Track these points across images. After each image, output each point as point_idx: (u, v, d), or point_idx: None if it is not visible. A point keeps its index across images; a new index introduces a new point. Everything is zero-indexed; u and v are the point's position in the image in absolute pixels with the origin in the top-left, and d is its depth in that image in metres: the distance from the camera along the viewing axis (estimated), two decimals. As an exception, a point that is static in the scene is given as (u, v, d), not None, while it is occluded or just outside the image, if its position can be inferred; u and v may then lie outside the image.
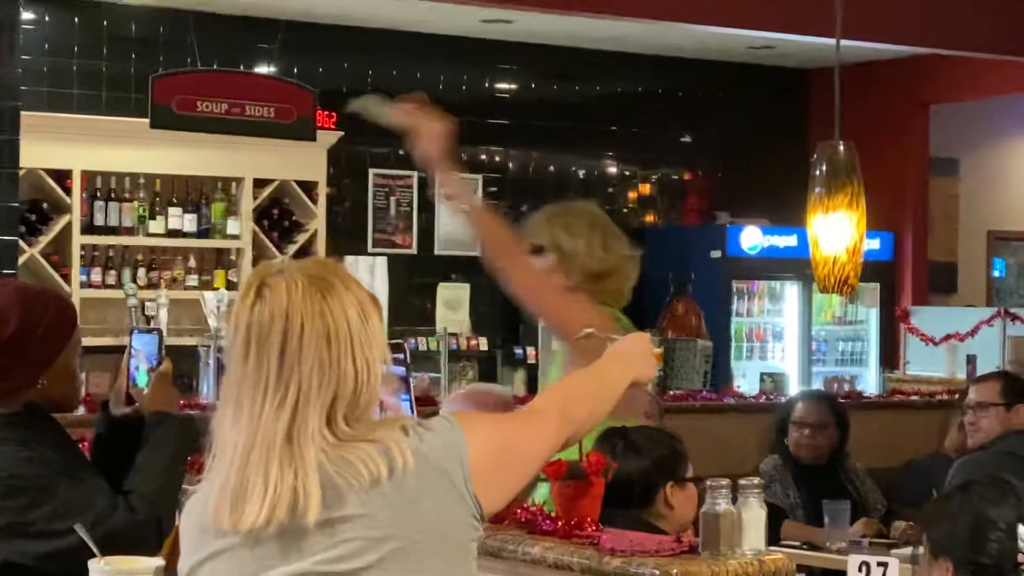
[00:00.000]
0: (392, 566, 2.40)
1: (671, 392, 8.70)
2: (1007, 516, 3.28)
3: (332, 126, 10.64)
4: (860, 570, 4.39)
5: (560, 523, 3.26)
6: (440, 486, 2.45)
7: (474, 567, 2.50)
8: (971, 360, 10.35)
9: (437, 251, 11.80)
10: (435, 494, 2.44)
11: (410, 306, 11.45)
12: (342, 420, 2.46)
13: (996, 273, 14.53)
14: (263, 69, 11.14)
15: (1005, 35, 10.66)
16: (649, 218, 12.77)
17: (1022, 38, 10.69)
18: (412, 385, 3.59)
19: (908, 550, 5.51)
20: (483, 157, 12.05)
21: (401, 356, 3.56)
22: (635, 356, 2.99)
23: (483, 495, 2.48)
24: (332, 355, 2.45)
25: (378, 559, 2.39)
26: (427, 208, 11.70)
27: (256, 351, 2.46)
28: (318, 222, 10.71)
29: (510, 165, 12.19)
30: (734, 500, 3.10)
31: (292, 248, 10.60)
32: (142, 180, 10.34)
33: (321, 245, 10.69)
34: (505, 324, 11.81)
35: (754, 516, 3.12)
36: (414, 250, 11.73)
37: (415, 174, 11.68)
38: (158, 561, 3.11)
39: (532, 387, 10.86)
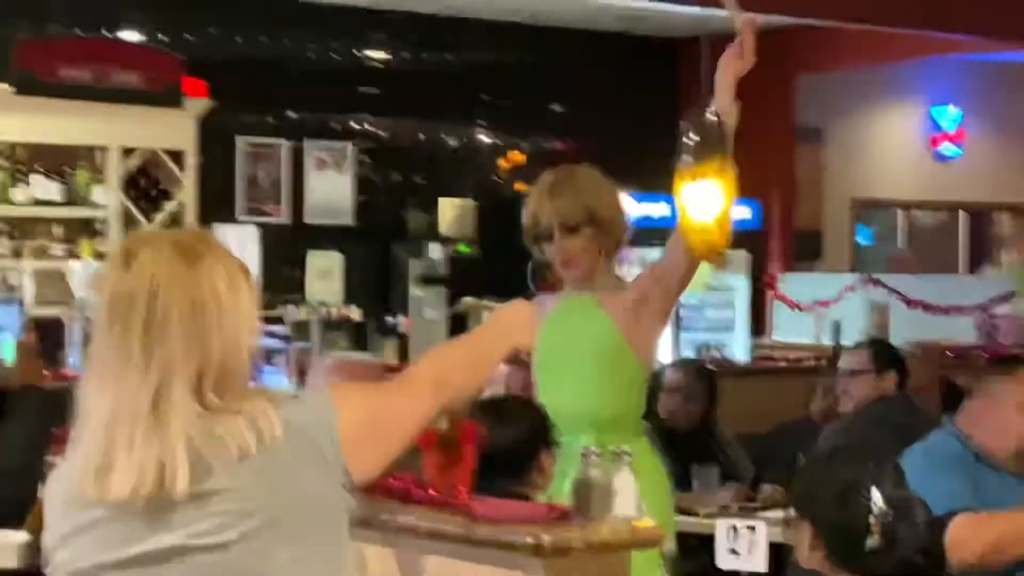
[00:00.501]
0: (263, 538, 2.38)
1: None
2: (868, 481, 3.31)
3: (200, 94, 10.49)
4: (729, 534, 4.44)
5: (433, 492, 3.24)
6: (310, 457, 2.43)
7: (347, 537, 2.49)
8: (836, 327, 10.49)
9: (307, 220, 11.72)
10: (305, 466, 2.42)
11: (281, 276, 11.36)
12: (210, 391, 2.42)
13: (860, 240, 14.75)
14: (129, 36, 10.96)
15: (871, 6, 10.78)
16: (520, 187, 12.77)
17: (888, 9, 10.82)
18: (289, 356, 3.55)
19: (776, 514, 5.58)
20: (354, 125, 11.98)
21: (279, 328, 3.52)
22: (514, 323, 2.94)
23: (354, 465, 2.47)
24: (198, 326, 2.42)
25: (249, 531, 2.37)
26: (297, 177, 11.62)
27: (122, 321, 2.42)
28: (187, 191, 10.56)
29: (381, 134, 12.12)
30: (607, 468, 3.11)
31: (160, 217, 10.45)
32: (3, 148, 10.13)
33: (190, 214, 10.56)
34: (377, 293, 11.79)
35: (627, 483, 3.13)
36: (285, 219, 11.63)
37: (285, 143, 11.60)
38: (21, 535, 3.06)
39: (404, 355, 10.84)
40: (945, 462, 4.43)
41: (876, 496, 3.27)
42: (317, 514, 2.44)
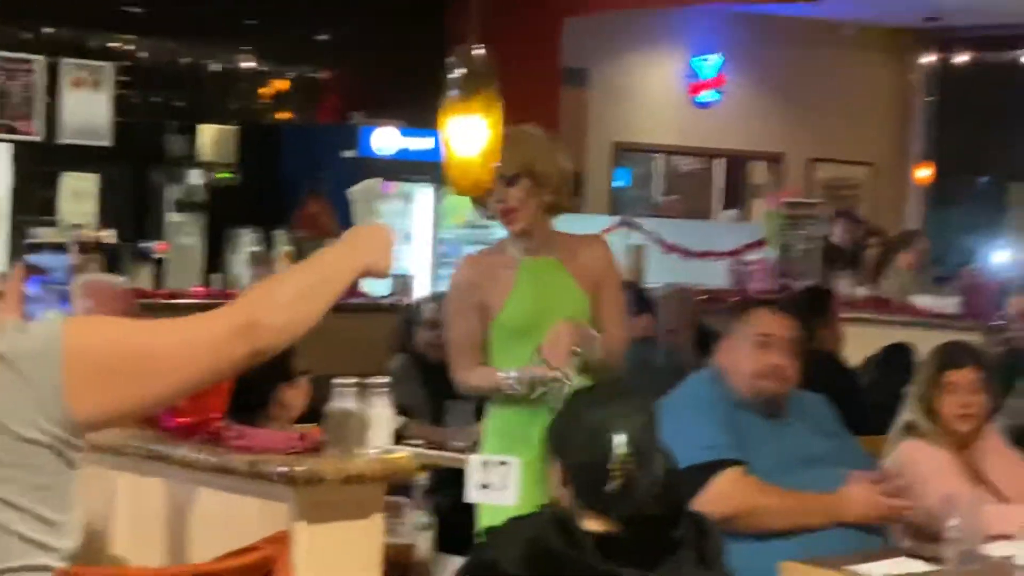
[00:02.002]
0: None
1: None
2: (616, 424, 3.36)
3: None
4: (481, 468, 4.47)
5: (186, 419, 3.21)
6: (20, 393, 2.33)
7: (70, 480, 2.38)
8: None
9: (62, 140, 11.43)
10: (13, 400, 2.33)
11: (33, 196, 11.09)
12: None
13: (620, 183, 14.96)
14: None
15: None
16: (284, 115, 12.67)
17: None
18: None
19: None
20: (114, 45, 11.72)
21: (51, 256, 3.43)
22: (365, 243, 2.69)
23: (76, 404, 2.35)
24: None
25: None
26: (53, 95, 11.33)
27: None
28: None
29: (141, 56, 11.88)
30: (361, 400, 3.12)
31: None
32: None
33: (-62, 130, 10.25)
34: (133, 217, 11.60)
35: (380, 415, 3.14)
36: (38, 138, 11.34)
37: (40, 59, 11.29)
38: None
39: (158, 281, 10.69)
40: (705, 407, 4.55)
41: (620, 440, 3.32)
42: (26, 452, 2.33)
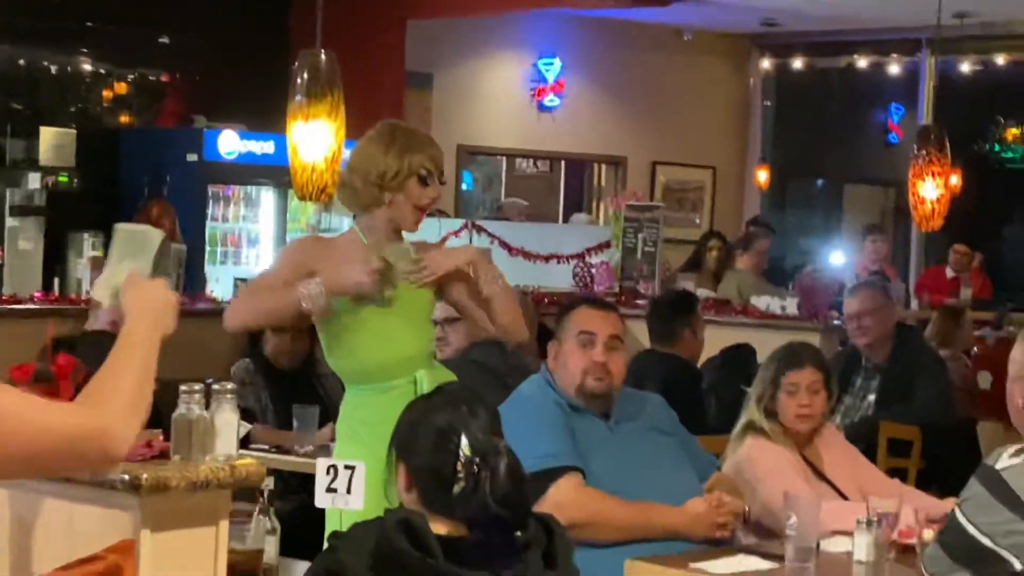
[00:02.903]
0: None
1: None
2: (460, 426, 3.37)
3: None
4: (328, 473, 4.46)
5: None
6: None
7: None
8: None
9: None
10: None
11: None
12: None
13: (464, 186, 14.98)
14: None
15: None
16: (124, 119, 12.51)
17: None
18: None
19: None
20: (-51, 47, 11.52)
21: None
22: (159, 312, 2.71)
23: None
24: None
25: None
26: None
27: None
28: None
29: (-23, 57, 11.70)
30: (207, 405, 3.10)
31: None
32: None
33: None
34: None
35: (226, 420, 3.13)
36: None
37: None
38: None
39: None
40: (541, 412, 4.55)
41: (464, 443, 3.33)
42: None
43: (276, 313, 4.64)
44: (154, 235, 2.93)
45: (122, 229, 2.95)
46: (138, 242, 2.91)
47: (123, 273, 2.85)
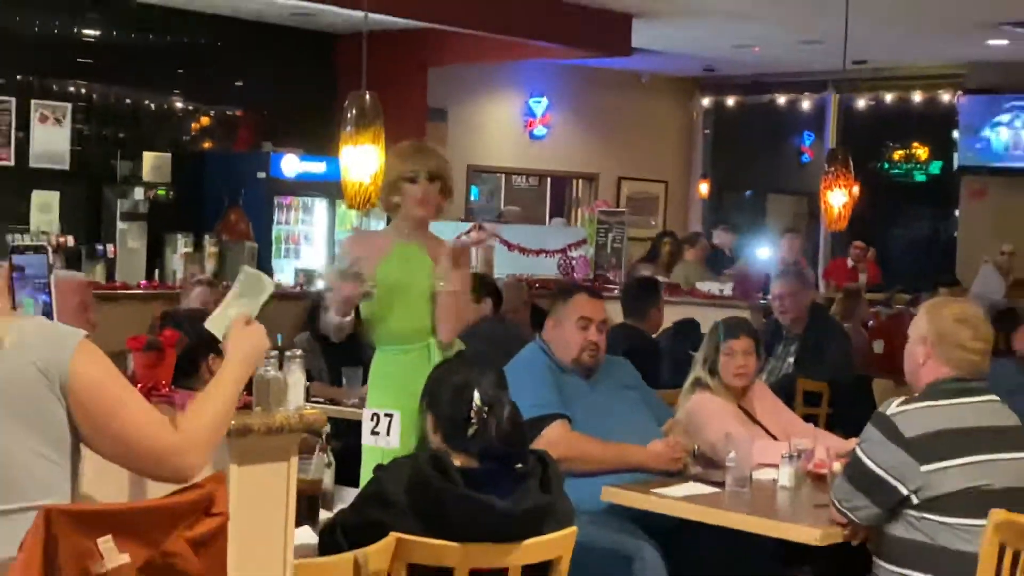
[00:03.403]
0: None
1: (226, 282, 8.59)
2: (473, 383, 3.39)
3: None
4: (372, 419, 4.48)
5: (142, 385, 3.17)
6: (37, 368, 2.36)
7: (57, 423, 2.40)
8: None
9: (32, 164, 11.19)
10: (32, 371, 2.36)
11: (8, 209, 10.85)
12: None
13: (472, 197, 14.97)
14: None
15: (487, 16, 10.94)
16: (208, 145, 12.50)
17: (499, 19, 11.01)
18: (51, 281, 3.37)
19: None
20: (72, 89, 11.48)
21: (41, 256, 3.35)
22: (251, 357, 2.78)
23: (74, 408, 2.38)
24: None
25: None
26: (23, 129, 11.08)
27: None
28: (-74, 137, 9.97)
29: (94, 96, 11.64)
30: (280, 368, 3.10)
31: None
32: None
33: (-73, 157, 9.96)
34: (90, 226, 11.39)
35: (296, 379, 3.13)
36: (10, 163, 11.07)
37: (13, 100, 11.02)
38: None
39: (110, 275, 10.50)
40: (536, 372, 4.56)
41: (476, 395, 3.36)
42: (33, 398, 2.36)
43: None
44: (268, 284, 2.95)
45: (247, 271, 2.95)
46: (255, 285, 2.93)
47: (235, 311, 2.88)
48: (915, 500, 3.63)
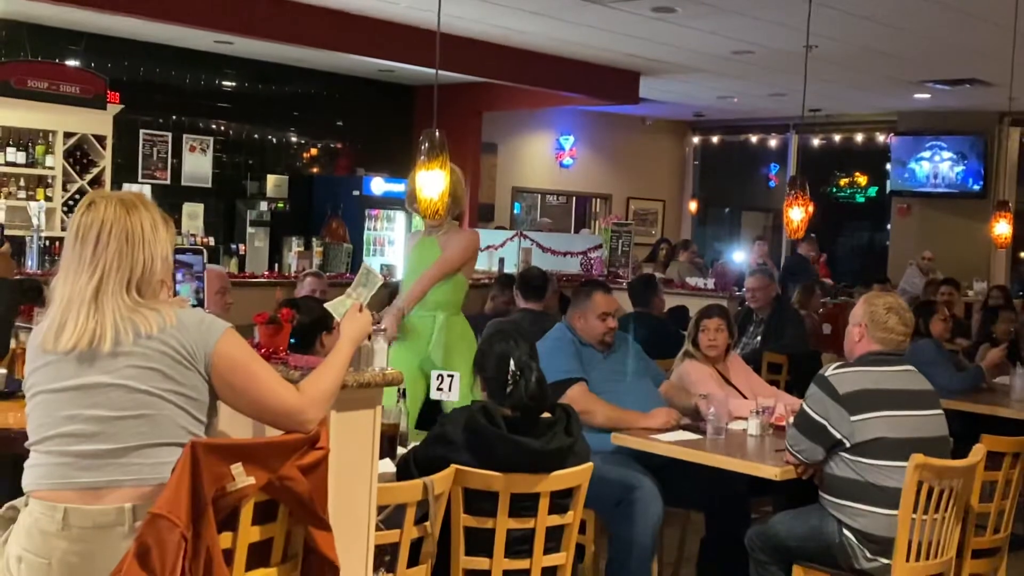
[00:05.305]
0: (149, 380, 2.31)
1: (329, 273, 8.65)
2: (510, 352, 3.39)
3: (116, 100, 10.00)
4: (438, 379, 4.49)
5: (263, 350, 3.20)
6: (186, 348, 2.35)
7: (202, 389, 2.39)
8: (501, 261, 10.64)
9: (183, 183, 11.29)
10: (184, 348, 2.35)
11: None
12: (135, 292, 2.35)
13: (515, 211, 14.97)
14: (72, 62, 10.33)
15: (529, 73, 10.94)
16: (315, 170, 12.57)
17: (538, 76, 11.01)
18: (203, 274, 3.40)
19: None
20: (214, 126, 11.58)
21: (198, 256, 3.37)
22: (359, 334, 2.76)
23: (216, 379, 2.37)
24: (128, 248, 2.35)
25: (143, 376, 2.31)
26: (176, 156, 11.19)
27: (82, 241, 2.35)
28: (106, 161, 10.06)
29: (230, 132, 11.75)
30: (368, 338, 3.11)
31: (88, 177, 9.93)
32: (-13, 128, 9.46)
33: (108, 176, 10.06)
34: (226, 230, 11.48)
35: (380, 348, 3.13)
36: (166, 181, 11.17)
37: (170, 134, 11.13)
38: (1, 370, 2.90)
39: (241, 267, 10.57)
40: (561, 346, 4.56)
41: (512, 362, 3.36)
42: (182, 368, 2.34)
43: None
44: (378, 279, 2.97)
45: (365, 267, 2.98)
46: (370, 278, 2.95)
47: (350, 300, 2.88)
48: (847, 444, 3.61)
